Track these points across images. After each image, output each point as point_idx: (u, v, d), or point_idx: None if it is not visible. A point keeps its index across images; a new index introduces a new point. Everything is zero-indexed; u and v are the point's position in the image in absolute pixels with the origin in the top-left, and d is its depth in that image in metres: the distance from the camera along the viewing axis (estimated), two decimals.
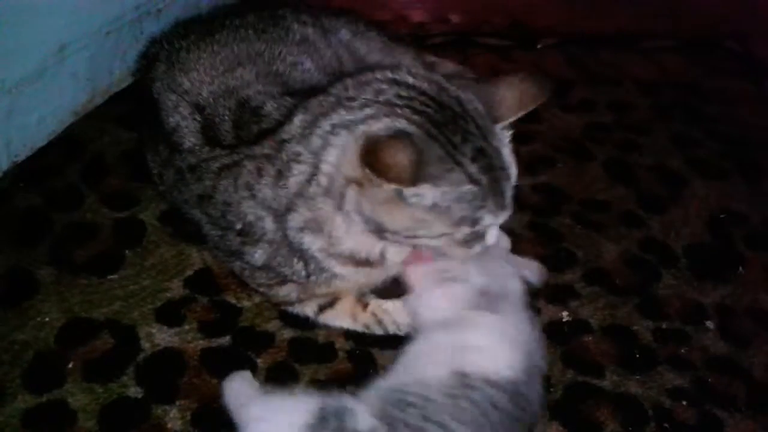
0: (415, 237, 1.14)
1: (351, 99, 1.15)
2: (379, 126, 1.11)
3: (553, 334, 1.38)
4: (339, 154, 1.13)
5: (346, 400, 1.08)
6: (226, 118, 1.32)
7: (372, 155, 1.06)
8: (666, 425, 1.29)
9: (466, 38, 2.23)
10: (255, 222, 1.25)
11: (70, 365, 1.27)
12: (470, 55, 2.07)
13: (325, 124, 1.15)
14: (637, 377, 1.36)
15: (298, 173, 1.18)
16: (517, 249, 1.50)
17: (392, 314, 1.34)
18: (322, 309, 1.36)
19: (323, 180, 1.16)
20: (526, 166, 1.76)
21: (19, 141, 1.61)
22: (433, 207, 1.10)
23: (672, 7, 2.29)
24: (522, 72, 1.24)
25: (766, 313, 1.50)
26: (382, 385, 1.12)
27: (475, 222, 1.13)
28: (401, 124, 1.10)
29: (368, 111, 1.13)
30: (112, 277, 1.42)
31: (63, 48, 1.63)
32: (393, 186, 1.07)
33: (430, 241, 1.15)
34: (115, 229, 1.51)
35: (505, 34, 2.23)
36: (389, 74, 1.18)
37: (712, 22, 2.31)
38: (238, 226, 1.28)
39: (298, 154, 1.18)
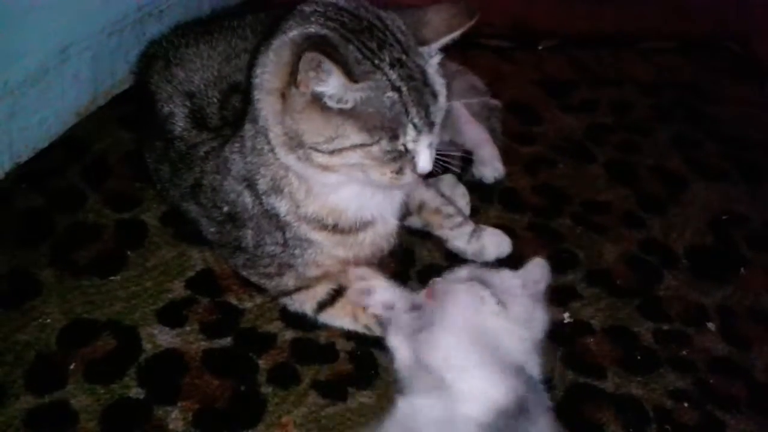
0: (335, 152, 1.12)
1: (273, 27, 1.18)
2: (293, 33, 1.12)
3: (554, 335, 1.38)
4: (260, 72, 1.15)
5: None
6: (215, 100, 1.35)
7: (291, 56, 1.08)
8: (667, 427, 1.29)
9: (467, 39, 2.21)
10: (237, 200, 1.28)
11: (72, 366, 1.27)
12: (471, 56, 2.07)
13: (255, 60, 1.18)
14: (639, 379, 1.36)
15: (249, 125, 1.22)
16: (518, 250, 1.51)
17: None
18: (322, 306, 1.36)
19: (256, 112, 1.18)
20: (527, 167, 1.78)
21: (22, 142, 1.61)
22: (351, 109, 1.09)
23: (673, 8, 2.29)
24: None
25: (767, 314, 1.51)
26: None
27: (394, 134, 1.11)
28: (314, 29, 1.11)
29: (284, 26, 1.15)
30: (113, 278, 1.42)
31: (65, 49, 1.63)
32: (307, 84, 1.07)
33: (351, 157, 1.13)
34: (116, 230, 1.51)
35: (507, 35, 2.24)
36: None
37: (713, 23, 2.31)
38: (225, 209, 1.31)
39: (247, 109, 1.22)
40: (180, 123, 1.37)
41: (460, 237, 1.50)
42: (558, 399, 1.28)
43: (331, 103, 1.09)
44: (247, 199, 1.28)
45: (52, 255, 1.45)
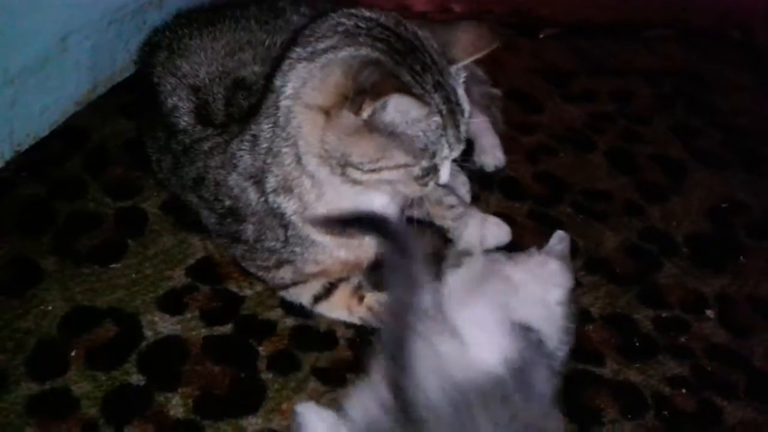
0: (376, 170, 1.14)
1: (308, 35, 1.17)
2: (343, 54, 1.12)
3: None
4: (297, 86, 1.15)
5: None
6: (220, 96, 1.34)
7: (345, 79, 1.09)
8: (665, 413, 1.30)
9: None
10: (240, 195, 1.28)
11: (73, 353, 1.28)
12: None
13: (285, 65, 1.18)
14: (637, 365, 1.36)
15: (266, 126, 1.21)
16: (518, 238, 1.51)
17: None
18: (317, 299, 1.37)
19: (281, 119, 1.17)
20: (527, 155, 1.78)
21: (22, 130, 1.61)
22: (400, 134, 1.11)
23: None
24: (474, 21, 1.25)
25: (766, 302, 1.51)
26: None
27: (434, 154, 1.14)
28: (365, 51, 1.12)
29: (328, 42, 1.14)
30: (114, 265, 1.43)
31: (65, 38, 1.63)
32: (369, 112, 1.07)
33: (390, 175, 1.15)
34: (117, 219, 1.52)
35: (507, 23, 2.23)
36: (345, 10, 1.19)
37: (715, 12, 2.31)
38: (228, 203, 1.31)
39: (267, 108, 1.21)
40: (185, 118, 1.36)
41: (460, 228, 1.50)
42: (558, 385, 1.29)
43: (383, 128, 1.10)
44: (252, 195, 1.28)
45: (53, 243, 1.45)
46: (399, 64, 1.11)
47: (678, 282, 1.53)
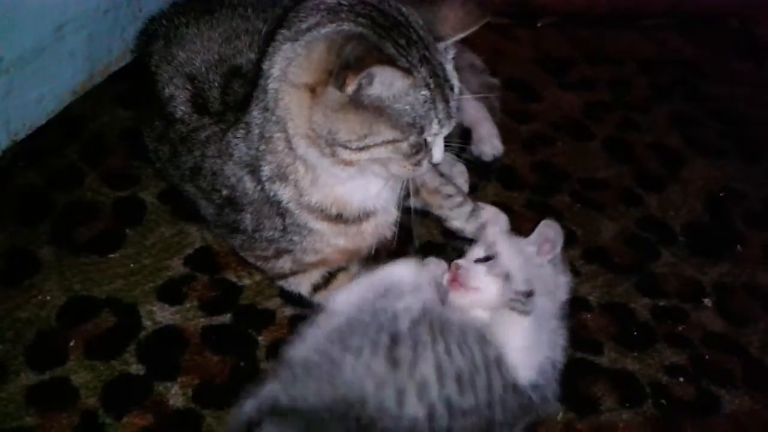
0: (364, 148, 1.13)
1: (292, 17, 1.17)
2: (326, 30, 1.12)
3: None
4: (283, 65, 1.15)
5: None
6: (216, 84, 1.34)
7: (328, 54, 1.08)
8: (663, 401, 1.30)
9: None
10: (237, 185, 1.28)
11: (72, 343, 1.28)
12: (470, 34, 2.06)
13: (270, 48, 1.17)
14: (635, 354, 1.37)
15: (257, 112, 1.21)
16: (515, 228, 1.51)
17: None
18: (316, 289, 1.37)
19: (270, 102, 1.17)
20: (525, 144, 1.78)
21: (19, 120, 1.60)
22: (386, 107, 1.10)
23: None
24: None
25: (763, 291, 1.52)
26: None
27: (422, 129, 1.13)
28: (347, 26, 1.11)
29: (311, 20, 1.14)
30: (112, 255, 1.43)
31: (61, 27, 1.62)
32: (353, 87, 1.07)
33: (379, 152, 1.14)
34: (115, 208, 1.51)
35: (506, 12, 2.22)
36: None
37: (713, 1, 2.30)
38: (225, 192, 1.31)
39: (257, 93, 1.21)
40: (181, 107, 1.36)
41: (459, 217, 1.50)
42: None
43: (369, 103, 1.09)
44: (248, 184, 1.28)
45: (50, 233, 1.45)
46: (383, 38, 1.11)
47: (675, 271, 1.53)
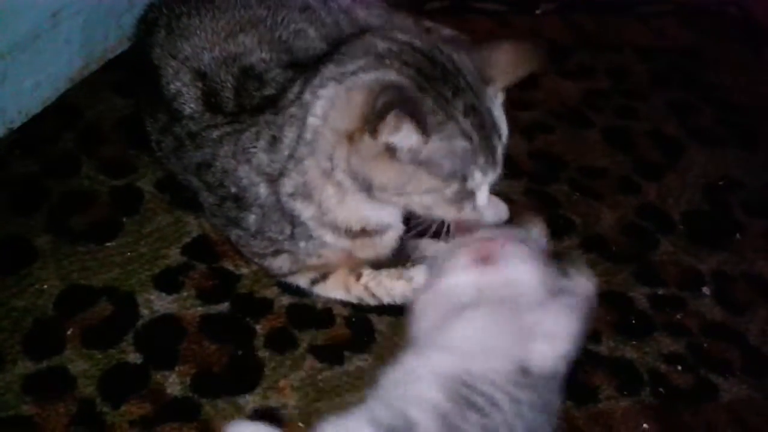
0: (404, 194, 1.14)
1: (342, 54, 1.16)
2: (368, 77, 1.11)
3: None
4: (326, 106, 1.14)
5: (409, 412, 1.00)
6: (229, 85, 1.31)
7: (365, 103, 1.07)
8: (661, 390, 1.31)
9: (463, 4, 2.20)
10: (249, 187, 1.26)
11: (70, 332, 1.28)
12: (467, 21, 2.05)
13: (316, 80, 1.16)
14: (633, 343, 1.37)
15: (290, 134, 1.20)
16: (514, 216, 1.50)
17: (386, 285, 1.34)
18: (314, 282, 1.36)
19: (308, 135, 1.16)
20: (523, 132, 1.77)
21: (14, 107, 1.59)
22: (424, 161, 1.10)
23: None
24: (520, 39, 1.24)
25: (762, 280, 1.52)
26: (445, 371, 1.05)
27: (464, 178, 1.13)
28: (391, 75, 1.10)
29: (359, 63, 1.13)
30: (109, 244, 1.42)
31: (56, 13, 1.61)
32: (384, 136, 1.07)
33: (420, 199, 1.15)
34: (112, 197, 1.50)
35: None
36: (382, 32, 1.19)
37: None
38: (233, 190, 1.29)
39: (292, 116, 1.19)
40: (191, 104, 1.33)
41: None
42: None
43: (403, 156, 1.09)
44: (262, 190, 1.26)
45: (47, 221, 1.44)
46: (424, 90, 1.09)
47: (674, 259, 1.53)
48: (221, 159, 1.29)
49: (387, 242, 1.31)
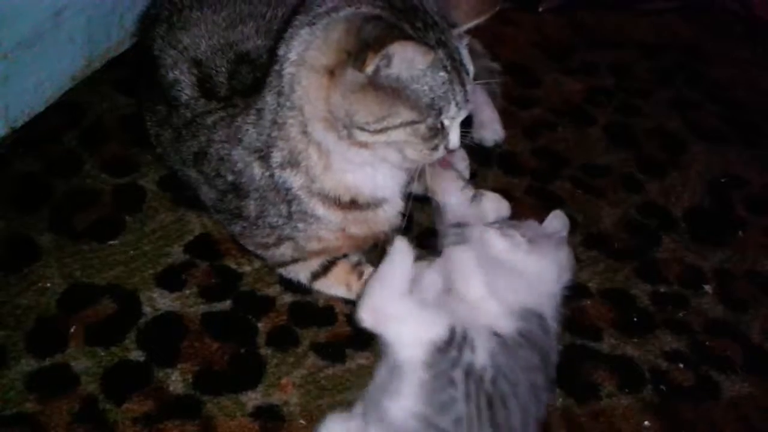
0: (383, 130, 1.13)
1: (309, 3, 1.18)
2: (345, 12, 1.12)
3: None
4: (301, 49, 1.15)
5: (474, 333, 1.09)
6: (223, 70, 1.34)
7: (347, 36, 1.09)
8: (663, 387, 1.30)
9: None
10: (244, 170, 1.28)
11: (72, 329, 1.28)
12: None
13: (287, 33, 1.18)
14: (635, 340, 1.37)
15: (270, 98, 1.21)
16: (516, 214, 1.50)
17: None
18: (315, 277, 1.37)
19: (286, 88, 1.18)
20: (526, 130, 1.77)
21: (17, 106, 1.60)
22: (405, 88, 1.10)
23: None
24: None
25: (764, 277, 1.52)
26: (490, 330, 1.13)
27: (440, 111, 1.14)
28: (366, 9, 1.12)
29: (328, 5, 1.15)
30: (112, 242, 1.42)
31: (59, 12, 1.61)
32: (372, 67, 1.07)
33: (397, 135, 1.14)
34: (114, 195, 1.51)
35: None
36: None
37: None
38: (230, 178, 1.30)
39: (271, 79, 1.21)
40: (187, 91, 1.35)
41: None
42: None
43: (387, 84, 1.10)
44: (256, 170, 1.27)
45: (50, 220, 1.45)
46: (401, 20, 1.11)
47: (676, 257, 1.53)
48: (216, 145, 1.31)
49: (382, 218, 1.31)
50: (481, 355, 1.07)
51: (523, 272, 1.22)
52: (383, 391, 1.07)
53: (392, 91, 1.10)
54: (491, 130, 1.69)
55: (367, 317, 1.11)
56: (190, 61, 1.37)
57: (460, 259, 1.21)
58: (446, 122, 1.17)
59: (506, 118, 1.74)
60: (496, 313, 1.14)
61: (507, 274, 1.20)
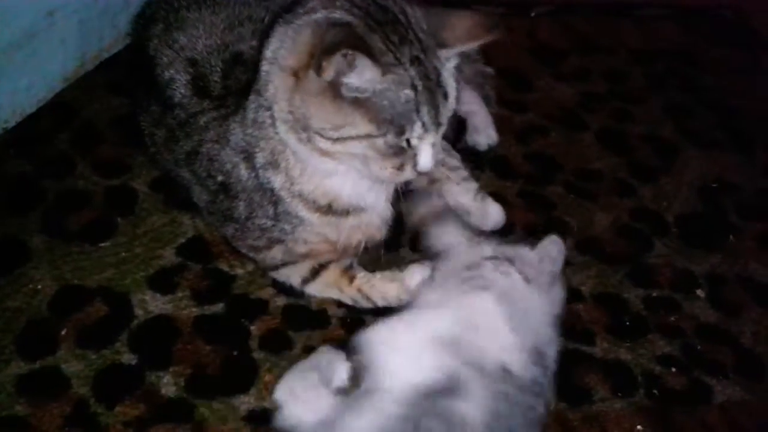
0: (339, 140, 1.12)
1: (293, 3, 1.18)
2: (317, 15, 1.12)
3: None
4: (275, 47, 1.15)
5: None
6: (218, 69, 1.34)
7: (313, 39, 1.08)
8: (655, 391, 1.31)
9: (460, 5, 2.20)
10: (232, 171, 1.28)
11: (64, 332, 1.27)
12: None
13: (270, 31, 1.18)
14: (627, 344, 1.37)
15: (252, 97, 1.22)
16: (509, 218, 1.51)
17: (380, 288, 1.34)
18: (305, 281, 1.36)
19: (261, 85, 1.18)
20: (518, 135, 1.77)
21: (9, 107, 1.59)
22: (365, 102, 1.08)
23: None
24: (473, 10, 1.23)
25: (756, 282, 1.52)
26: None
27: (402, 129, 1.10)
28: (339, 14, 1.11)
29: (308, 6, 1.14)
30: (104, 244, 1.42)
31: (52, 13, 1.60)
32: (330, 73, 1.06)
33: (355, 147, 1.13)
34: (106, 197, 1.50)
35: (499, 1, 2.21)
36: None
37: None
38: (220, 179, 1.30)
39: (255, 80, 1.21)
40: (181, 90, 1.35)
41: (466, 192, 1.48)
42: None
43: (346, 93, 1.08)
44: (243, 171, 1.27)
45: (41, 221, 1.44)
46: (373, 31, 1.09)
47: (668, 261, 1.53)
48: (206, 145, 1.31)
49: (362, 226, 1.30)
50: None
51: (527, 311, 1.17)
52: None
53: (352, 101, 1.09)
54: (485, 135, 1.69)
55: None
56: (185, 60, 1.36)
57: (484, 309, 1.16)
58: (414, 142, 1.13)
59: (499, 122, 1.74)
60: (512, 345, 1.11)
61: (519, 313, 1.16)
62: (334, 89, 1.08)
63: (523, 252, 1.25)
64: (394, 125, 1.10)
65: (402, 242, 1.48)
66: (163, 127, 1.39)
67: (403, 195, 1.29)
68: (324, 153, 1.15)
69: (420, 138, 1.13)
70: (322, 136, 1.12)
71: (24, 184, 1.51)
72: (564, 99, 1.92)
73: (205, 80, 1.34)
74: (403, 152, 1.14)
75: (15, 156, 1.56)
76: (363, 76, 1.07)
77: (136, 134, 1.50)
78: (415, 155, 1.15)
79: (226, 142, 1.28)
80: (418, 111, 1.10)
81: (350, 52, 1.03)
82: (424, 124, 1.12)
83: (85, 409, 1.18)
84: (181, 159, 1.37)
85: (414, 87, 1.10)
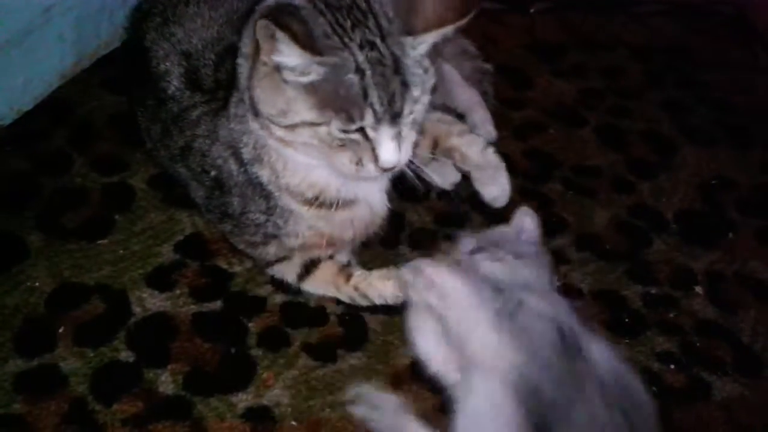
0: (290, 126, 1.10)
1: None
2: (271, 1, 1.11)
3: None
4: (243, 37, 1.17)
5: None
6: (210, 62, 1.33)
7: (259, 24, 1.05)
8: (654, 388, 1.30)
9: None
10: (223, 166, 1.28)
11: (61, 330, 1.27)
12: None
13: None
14: (627, 341, 1.37)
15: (234, 91, 1.22)
16: (507, 214, 1.50)
17: (377, 286, 1.34)
18: (300, 277, 1.36)
19: (236, 76, 1.19)
20: (517, 131, 1.77)
21: (5, 104, 1.58)
22: (307, 85, 1.05)
23: None
24: None
25: (754, 279, 1.52)
26: None
27: (349, 117, 1.05)
28: None
29: None
30: (101, 242, 1.41)
31: (48, 9, 1.60)
32: (265, 53, 1.06)
33: (304, 134, 1.10)
34: (104, 194, 1.50)
35: None
36: None
37: None
38: (213, 174, 1.30)
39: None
40: (174, 82, 1.35)
41: (473, 144, 1.38)
42: None
43: (288, 76, 1.06)
44: (233, 166, 1.27)
45: (39, 219, 1.44)
46: (321, 13, 1.06)
47: (667, 258, 1.53)
48: (198, 140, 1.30)
49: (354, 219, 1.29)
50: None
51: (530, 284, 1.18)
52: None
53: (295, 86, 1.06)
54: (484, 131, 1.68)
55: None
56: (180, 53, 1.36)
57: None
58: (370, 134, 1.08)
59: (497, 119, 1.73)
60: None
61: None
62: (279, 73, 1.07)
63: (502, 231, 1.28)
64: (338, 112, 1.05)
65: (401, 240, 1.48)
66: (159, 122, 1.39)
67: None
68: (282, 141, 1.14)
69: (374, 129, 1.07)
70: (272, 122, 1.12)
71: (21, 181, 1.51)
72: (563, 95, 1.91)
73: (197, 73, 1.33)
74: (357, 144, 1.09)
75: (12, 153, 1.55)
76: (290, 56, 1.03)
77: (134, 131, 1.50)
78: (373, 149, 1.09)
79: (216, 137, 1.28)
80: (366, 97, 1.05)
81: (269, 25, 1.01)
82: (375, 112, 1.06)
83: (82, 407, 1.18)
84: (177, 154, 1.36)
85: (362, 71, 1.05)
